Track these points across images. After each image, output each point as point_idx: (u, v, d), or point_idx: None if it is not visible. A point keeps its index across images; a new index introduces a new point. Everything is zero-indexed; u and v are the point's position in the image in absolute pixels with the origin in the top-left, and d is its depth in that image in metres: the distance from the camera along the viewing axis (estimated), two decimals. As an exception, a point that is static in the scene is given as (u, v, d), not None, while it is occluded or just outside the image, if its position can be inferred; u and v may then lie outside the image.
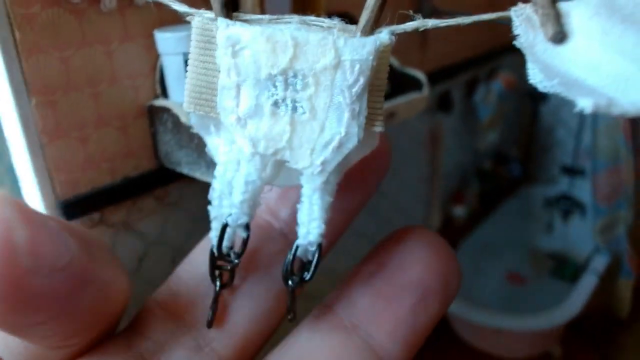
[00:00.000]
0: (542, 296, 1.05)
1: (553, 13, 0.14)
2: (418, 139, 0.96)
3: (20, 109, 0.22)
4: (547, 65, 0.13)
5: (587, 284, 0.95)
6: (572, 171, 1.37)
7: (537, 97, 1.41)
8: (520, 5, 0.15)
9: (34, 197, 0.24)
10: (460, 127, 1.17)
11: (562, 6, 0.14)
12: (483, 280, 1.16)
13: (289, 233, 0.17)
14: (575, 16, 0.14)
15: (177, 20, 0.25)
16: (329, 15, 0.34)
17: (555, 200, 1.38)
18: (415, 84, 0.43)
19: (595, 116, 1.16)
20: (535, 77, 0.13)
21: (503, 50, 1.08)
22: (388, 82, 0.15)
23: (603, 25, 0.13)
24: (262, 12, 0.27)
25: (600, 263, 1.00)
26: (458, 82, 1.01)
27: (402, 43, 0.14)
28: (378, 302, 0.16)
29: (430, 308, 0.16)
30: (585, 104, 0.11)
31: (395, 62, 0.44)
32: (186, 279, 0.17)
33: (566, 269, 1.17)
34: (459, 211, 1.20)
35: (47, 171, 0.23)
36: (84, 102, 0.24)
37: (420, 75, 0.43)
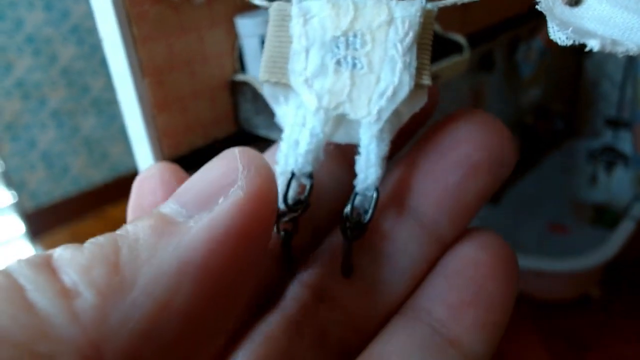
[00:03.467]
0: (583, 243, 1.04)
1: (570, -20, 0.16)
2: (461, 97, 0.95)
3: (137, 87, 0.26)
4: (563, 22, 0.15)
5: (625, 229, 0.93)
6: (616, 123, 1.30)
7: (581, 52, 1.34)
8: (543, -23, 0.17)
9: (146, 157, 0.28)
10: (503, 85, 1.15)
11: (578, -26, 0.16)
12: (527, 229, 1.15)
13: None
14: None
15: (251, 7, 0.28)
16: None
17: (599, 153, 1.33)
18: (456, 48, 0.44)
19: (638, 68, 1.10)
20: (554, 31, 0.14)
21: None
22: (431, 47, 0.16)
23: None
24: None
25: (638, 210, 0.98)
26: (499, 42, 0.99)
27: (444, 8, 0.15)
28: (426, 179, 0.16)
29: (479, 183, 0.16)
30: (593, 44, 0.13)
31: (437, 28, 0.45)
32: None
33: (606, 217, 1.15)
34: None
35: (157, 136, 0.27)
36: (183, 79, 0.28)
37: (461, 39, 0.44)
